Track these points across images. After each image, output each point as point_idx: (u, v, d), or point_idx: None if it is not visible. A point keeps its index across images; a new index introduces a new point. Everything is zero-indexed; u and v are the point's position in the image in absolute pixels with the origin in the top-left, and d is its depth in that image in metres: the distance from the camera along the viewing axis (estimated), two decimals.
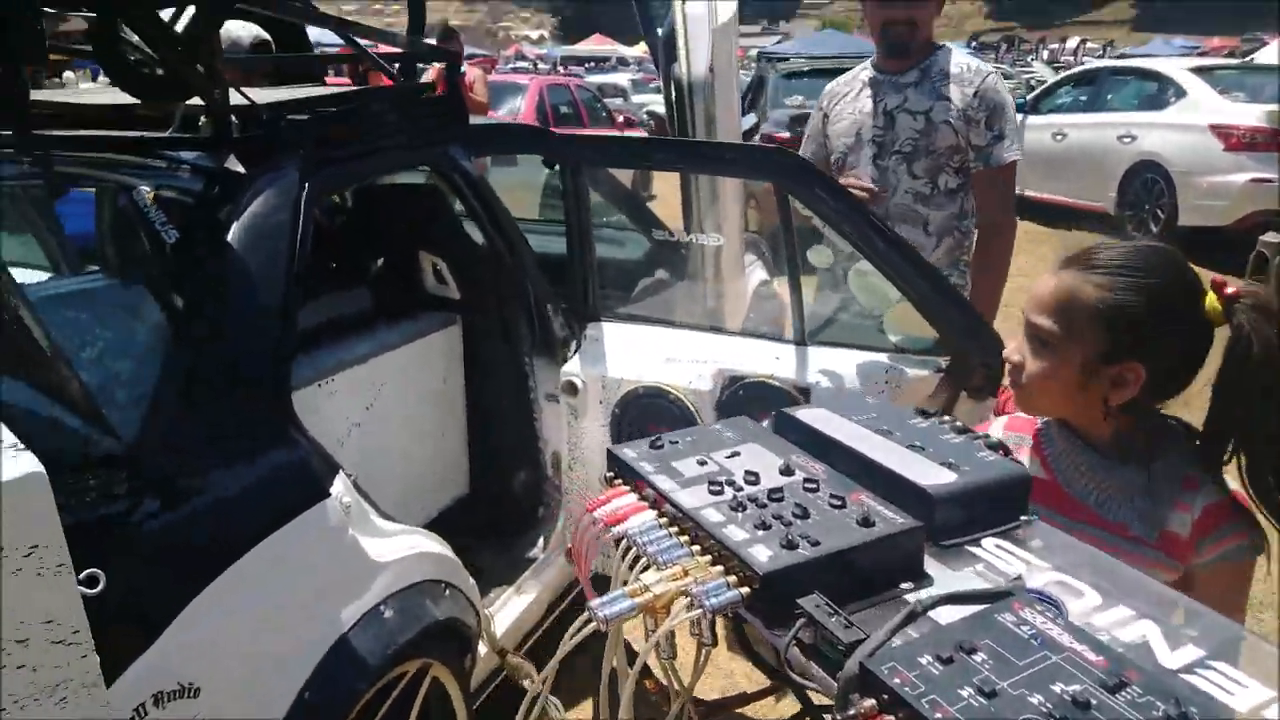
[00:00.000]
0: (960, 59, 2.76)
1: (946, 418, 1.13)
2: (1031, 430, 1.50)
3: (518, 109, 11.30)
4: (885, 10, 2.75)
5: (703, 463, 1.03)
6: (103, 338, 1.92)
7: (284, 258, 1.96)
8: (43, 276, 2.92)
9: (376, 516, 1.95)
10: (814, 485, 0.97)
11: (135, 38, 2.14)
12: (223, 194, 2.01)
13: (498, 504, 2.92)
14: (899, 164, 2.74)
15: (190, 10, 2.04)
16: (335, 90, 2.85)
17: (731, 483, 0.98)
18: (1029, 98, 11.28)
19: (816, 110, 3.05)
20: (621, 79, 26.80)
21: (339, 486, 1.83)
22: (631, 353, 2.58)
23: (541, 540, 2.76)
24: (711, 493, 0.96)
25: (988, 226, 2.73)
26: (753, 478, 0.99)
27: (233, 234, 1.92)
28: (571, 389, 2.57)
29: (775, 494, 0.95)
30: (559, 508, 2.78)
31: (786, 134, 8.53)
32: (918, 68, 2.74)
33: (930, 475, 0.98)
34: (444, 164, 2.66)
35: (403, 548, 1.97)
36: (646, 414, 2.46)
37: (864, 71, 2.93)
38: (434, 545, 2.07)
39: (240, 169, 2.04)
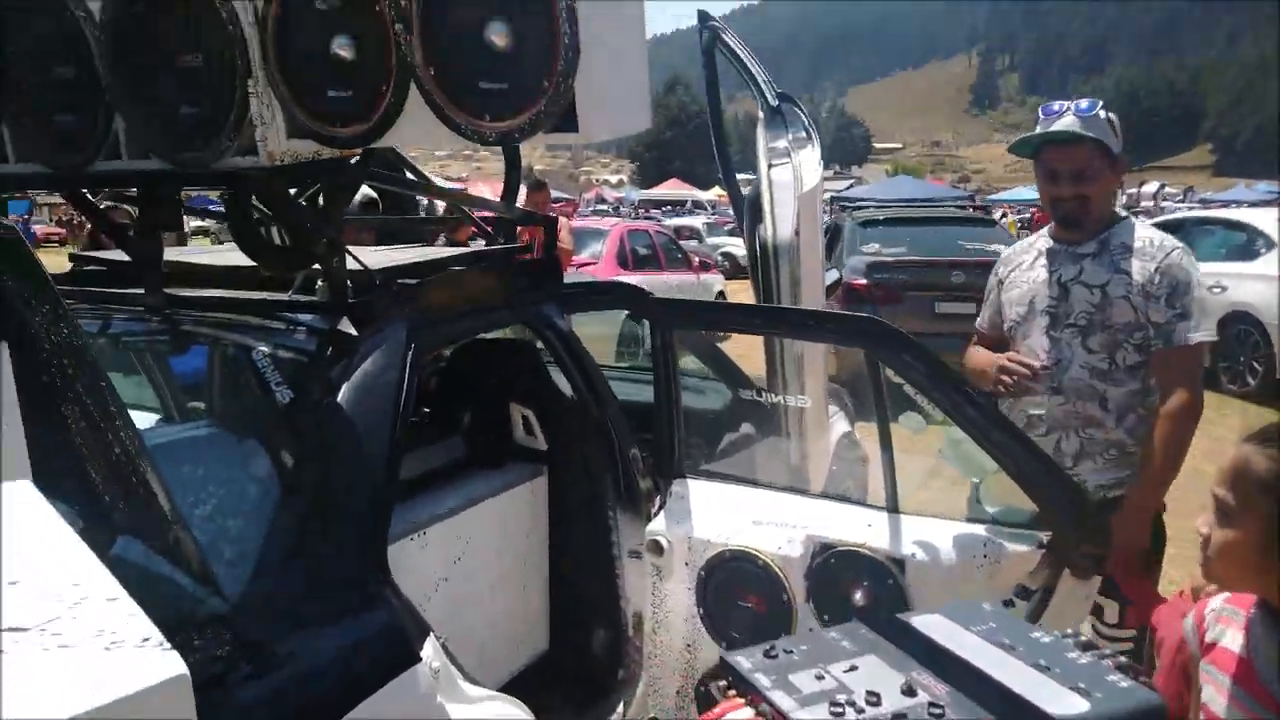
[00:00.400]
0: (1144, 232, 2.66)
1: (1071, 631, 1.09)
2: (1248, 607, 1.47)
3: (600, 253, 11.69)
4: (1055, 187, 2.70)
5: (820, 677, 1.01)
6: (214, 495, 1.99)
7: (389, 418, 2.03)
8: (152, 419, 3.06)
9: (463, 681, 1.94)
10: (939, 711, 0.94)
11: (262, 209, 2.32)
12: (335, 355, 2.11)
13: (578, 663, 2.87)
14: (1073, 337, 2.64)
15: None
16: (440, 252, 3.01)
17: (852, 703, 0.95)
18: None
19: (992, 276, 2.98)
20: (697, 222, 27.68)
21: (429, 650, 1.83)
22: (718, 513, 2.56)
23: (621, 706, 2.69)
24: (833, 714, 0.94)
25: (1165, 409, 2.53)
26: (874, 698, 0.96)
27: (343, 395, 2.00)
28: (656, 548, 2.55)
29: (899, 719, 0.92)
30: (640, 670, 2.72)
31: (864, 280, 8.62)
32: (1096, 239, 2.66)
33: (1061, 702, 0.94)
34: (538, 322, 2.76)
35: (488, 715, 1.94)
36: (734, 579, 2.42)
37: (1041, 239, 2.85)
38: (518, 713, 2.04)
39: (352, 331, 2.15)
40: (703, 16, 3.70)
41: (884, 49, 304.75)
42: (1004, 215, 35.57)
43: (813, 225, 3.19)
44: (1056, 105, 2.73)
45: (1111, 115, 2.66)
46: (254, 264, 2.28)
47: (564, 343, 2.79)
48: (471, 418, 3.16)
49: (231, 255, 2.74)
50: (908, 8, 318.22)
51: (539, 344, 2.95)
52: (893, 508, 2.38)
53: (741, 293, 16.58)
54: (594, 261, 11.43)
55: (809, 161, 3.27)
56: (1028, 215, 32.97)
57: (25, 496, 1.22)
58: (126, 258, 2.54)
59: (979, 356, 2.91)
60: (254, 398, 2.29)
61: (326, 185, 2.01)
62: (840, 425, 3.95)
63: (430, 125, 1.68)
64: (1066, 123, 2.64)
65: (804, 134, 3.42)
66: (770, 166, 3.34)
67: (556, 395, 3.09)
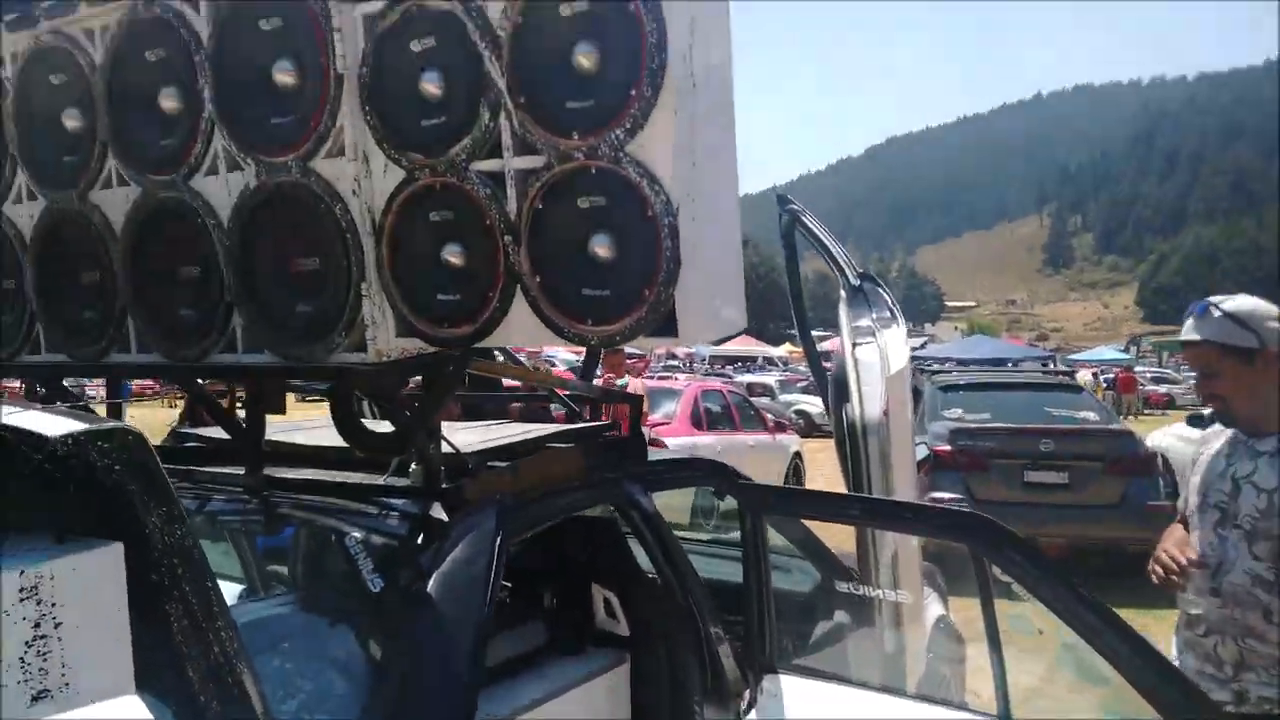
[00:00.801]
0: None
1: None
2: None
3: (673, 413, 11.72)
4: (1198, 386, 2.64)
5: None
6: (304, 686, 1.97)
7: (478, 608, 2.01)
8: (236, 589, 3.08)
9: None
10: None
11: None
12: (426, 541, 2.12)
13: None
14: (1240, 539, 2.46)
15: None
16: (528, 429, 3.05)
17: None
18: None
19: (1193, 450, 2.83)
20: (769, 379, 27.74)
21: None
22: (813, 714, 2.42)
23: None
24: None
25: None
26: None
27: (433, 584, 1.99)
28: None
29: None
30: None
31: (948, 447, 8.42)
32: (1278, 436, 2.50)
33: None
34: (624, 501, 2.74)
35: None
36: None
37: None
38: None
39: (444, 516, 2.16)
40: (781, 200, 3.82)
41: (952, 212, 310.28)
42: (1091, 375, 34.91)
43: (902, 406, 3.15)
44: (1195, 305, 2.63)
45: (1238, 308, 2.50)
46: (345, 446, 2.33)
47: (648, 523, 2.75)
48: (553, 599, 3.10)
49: (326, 433, 2.82)
50: (974, 174, 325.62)
51: (621, 521, 2.92)
52: (1004, 718, 2.22)
53: (819, 451, 16.34)
54: (668, 421, 11.45)
55: (895, 342, 3.26)
56: (1111, 375, 32.17)
57: (133, 712, 1.22)
58: (224, 433, 2.63)
59: (1166, 537, 2.74)
60: (346, 584, 2.29)
61: (428, 379, 2.07)
62: (934, 608, 3.77)
63: (533, 327, 1.74)
64: (1187, 327, 2.58)
65: (888, 313, 3.44)
66: (855, 345, 3.34)
67: (639, 577, 3.02)
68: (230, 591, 2.97)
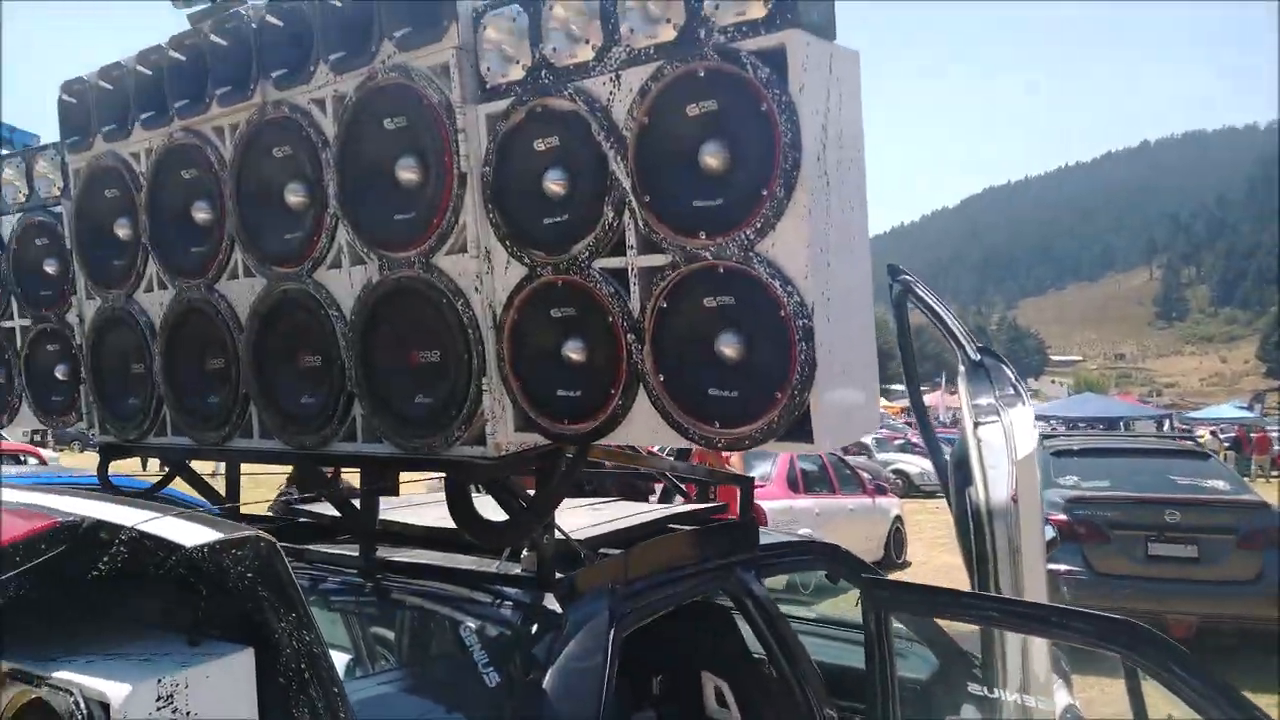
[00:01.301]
0: None
1: None
2: None
3: (769, 474, 11.49)
4: None
5: None
6: None
7: (593, 702, 1.96)
8: (344, 659, 3.07)
9: None
10: None
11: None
12: (540, 632, 2.07)
13: None
14: None
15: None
16: (638, 514, 2.98)
17: None
18: None
19: None
20: (865, 438, 27.05)
21: None
22: None
23: None
24: None
25: None
26: None
27: (549, 681, 1.95)
28: None
29: None
30: None
31: (1065, 517, 8.00)
32: None
33: None
34: (736, 588, 2.64)
35: None
36: None
37: None
38: None
39: (556, 607, 2.11)
40: (892, 270, 3.70)
41: (1054, 263, 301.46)
42: (1209, 434, 32.96)
43: (1031, 491, 2.97)
44: None
45: None
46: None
47: (762, 611, 2.65)
48: (662, 686, 3.01)
49: (432, 511, 2.81)
50: (1077, 224, 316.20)
51: (732, 607, 2.82)
52: None
53: (917, 513, 15.77)
54: (763, 483, 11.23)
55: (1022, 422, 3.09)
56: (1232, 434, 30.32)
57: None
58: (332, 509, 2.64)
59: None
60: (459, 673, 2.25)
61: (545, 472, 2.03)
62: (1062, 697, 3.51)
63: (656, 427, 1.68)
64: None
65: (1011, 390, 3.27)
66: (977, 425, 3.18)
67: (752, 665, 2.90)
68: (338, 663, 2.97)
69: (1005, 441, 3.07)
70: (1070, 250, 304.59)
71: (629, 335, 1.67)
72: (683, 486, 3.20)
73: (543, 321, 1.80)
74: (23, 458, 10.92)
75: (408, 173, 1.92)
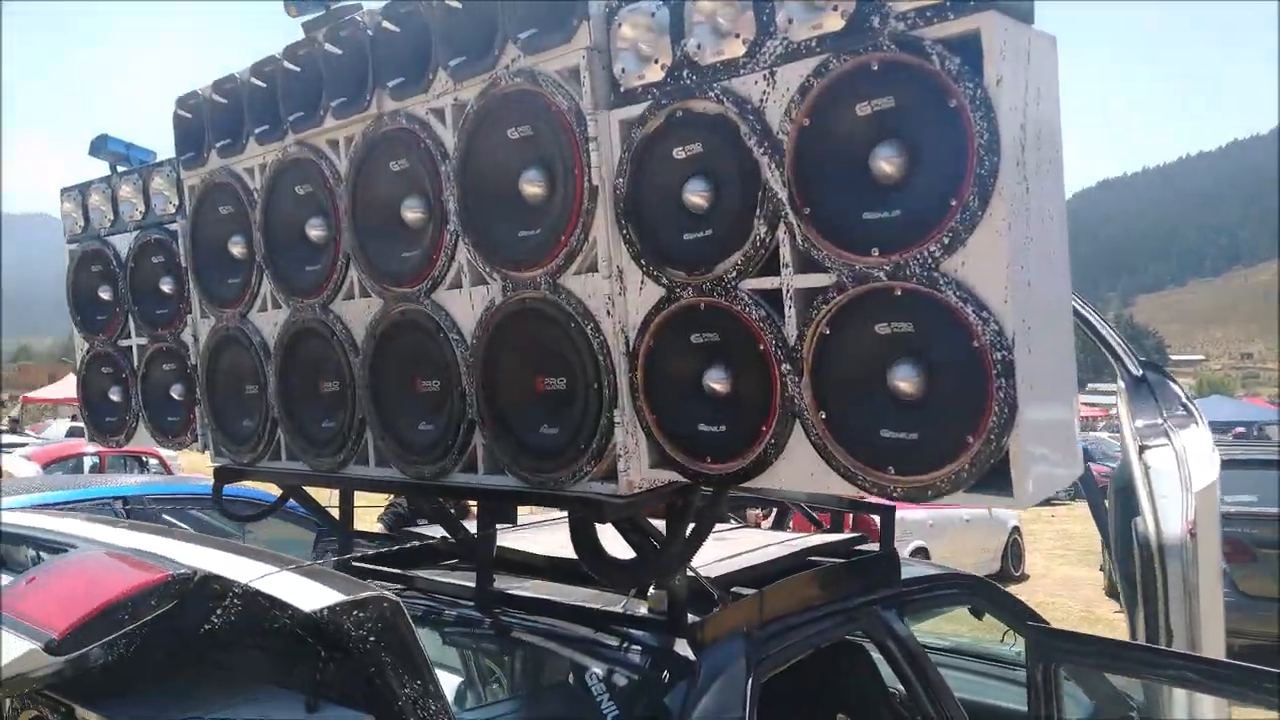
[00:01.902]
0: None
1: None
2: None
3: None
4: None
5: None
6: None
7: None
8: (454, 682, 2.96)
9: None
10: None
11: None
12: (671, 680, 1.91)
13: None
14: None
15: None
16: (772, 544, 2.78)
17: None
18: None
19: None
20: None
21: None
22: None
23: None
24: None
25: None
26: None
27: None
28: None
29: None
30: None
31: None
32: None
33: None
34: (879, 631, 2.42)
35: None
36: None
37: None
38: None
39: (689, 653, 1.94)
40: None
41: (1174, 258, 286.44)
42: None
43: (1212, 527, 2.64)
44: None
45: None
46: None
47: (906, 653, 2.42)
48: None
49: (550, 537, 2.67)
50: (1199, 216, 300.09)
51: (874, 650, 2.59)
52: None
53: (1033, 522, 15.01)
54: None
55: (1199, 447, 2.77)
56: None
57: None
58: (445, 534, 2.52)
59: None
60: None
61: (679, 511, 1.85)
62: None
63: (816, 469, 1.48)
64: None
65: (1182, 410, 2.94)
66: (1143, 449, 2.86)
67: (893, 708, 2.68)
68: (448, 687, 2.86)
69: (1178, 468, 2.75)
70: (1192, 244, 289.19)
71: (784, 365, 1.48)
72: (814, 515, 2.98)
73: (682, 348, 1.62)
74: (145, 460, 11.32)
75: (533, 186, 1.77)
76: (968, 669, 3.61)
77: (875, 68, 1.33)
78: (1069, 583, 11.81)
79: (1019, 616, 2.81)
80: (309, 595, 1.26)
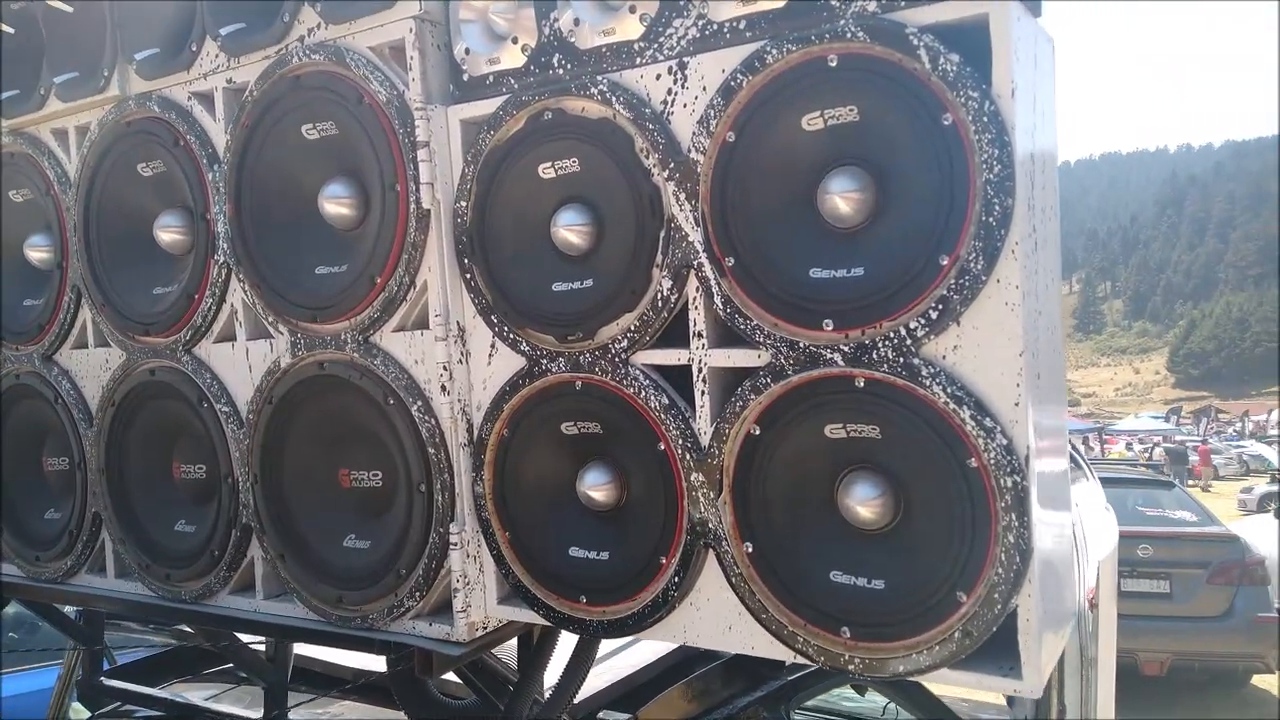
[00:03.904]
0: None
1: None
2: None
3: None
4: None
5: None
6: None
7: None
8: None
9: None
10: None
11: None
12: None
13: None
14: None
15: None
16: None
17: None
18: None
19: None
20: None
21: None
22: None
23: None
24: None
25: None
26: None
27: None
28: None
29: None
30: None
31: None
32: None
33: None
34: None
35: None
36: None
37: None
38: None
39: None
40: None
41: None
42: (1125, 445, 33.42)
43: (1111, 599, 2.43)
44: None
45: None
46: None
47: None
48: None
49: None
50: None
51: None
52: None
53: None
54: None
55: (1092, 506, 2.56)
56: (1150, 445, 30.84)
57: None
58: None
59: None
60: None
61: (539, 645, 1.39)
62: None
63: (735, 622, 1.06)
64: None
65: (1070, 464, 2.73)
66: None
67: None
68: None
69: (1074, 533, 2.52)
70: None
71: (694, 475, 1.05)
72: None
73: (549, 442, 1.17)
74: None
75: (338, 205, 1.27)
76: None
77: (833, 63, 0.93)
78: None
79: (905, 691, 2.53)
80: None
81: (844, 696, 3.13)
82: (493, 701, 1.48)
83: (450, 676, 1.58)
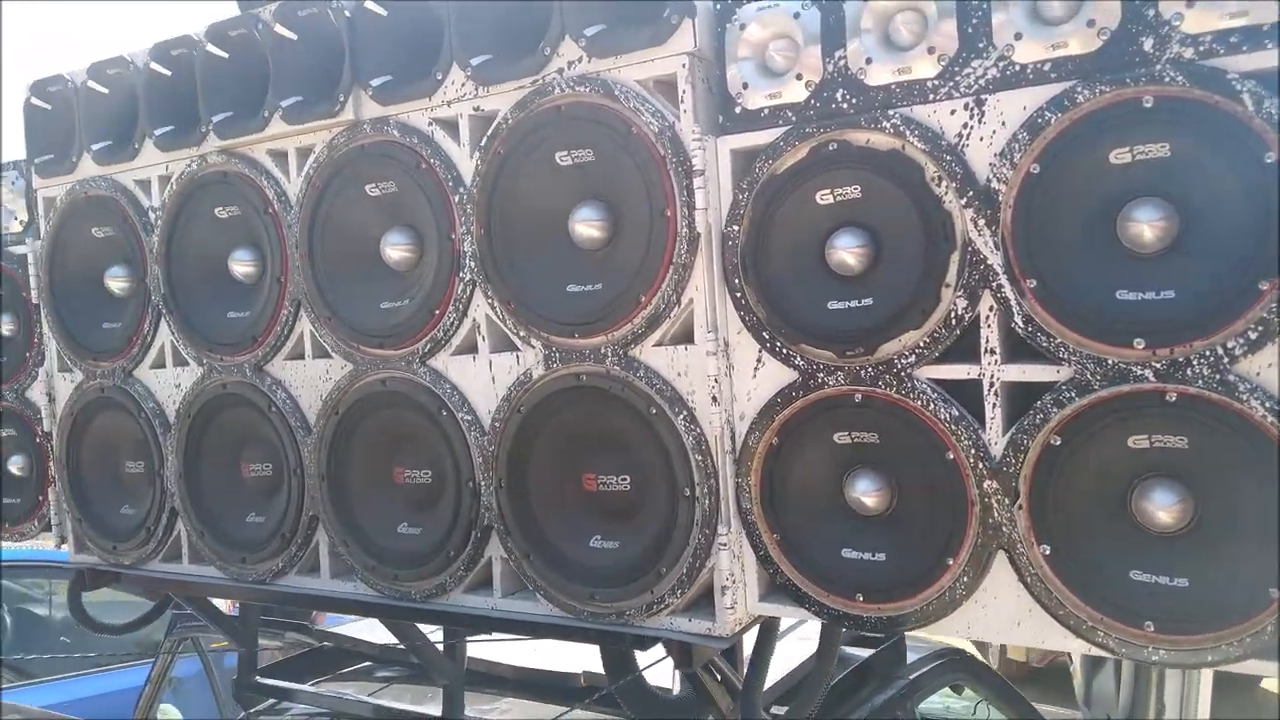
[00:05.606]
0: None
1: None
2: None
3: None
4: None
5: None
6: None
7: None
8: None
9: None
10: None
11: None
12: None
13: None
14: None
15: None
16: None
17: None
18: None
19: None
20: None
21: None
22: None
23: None
24: None
25: None
26: None
27: None
28: None
29: None
30: None
31: None
32: None
33: None
34: None
35: None
36: None
37: None
38: None
39: None
40: None
41: None
42: None
43: None
44: None
45: None
46: None
47: None
48: None
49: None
50: None
51: None
52: None
53: None
54: None
55: None
56: None
57: None
58: None
59: None
60: None
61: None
62: None
63: (1029, 618, 1.14)
64: None
65: None
66: None
67: None
68: None
69: None
70: None
71: (987, 483, 1.13)
72: None
73: (819, 449, 1.25)
74: None
75: (589, 228, 1.35)
76: None
77: (1148, 104, 1.02)
78: None
79: None
80: None
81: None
82: (706, 693, 1.55)
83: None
